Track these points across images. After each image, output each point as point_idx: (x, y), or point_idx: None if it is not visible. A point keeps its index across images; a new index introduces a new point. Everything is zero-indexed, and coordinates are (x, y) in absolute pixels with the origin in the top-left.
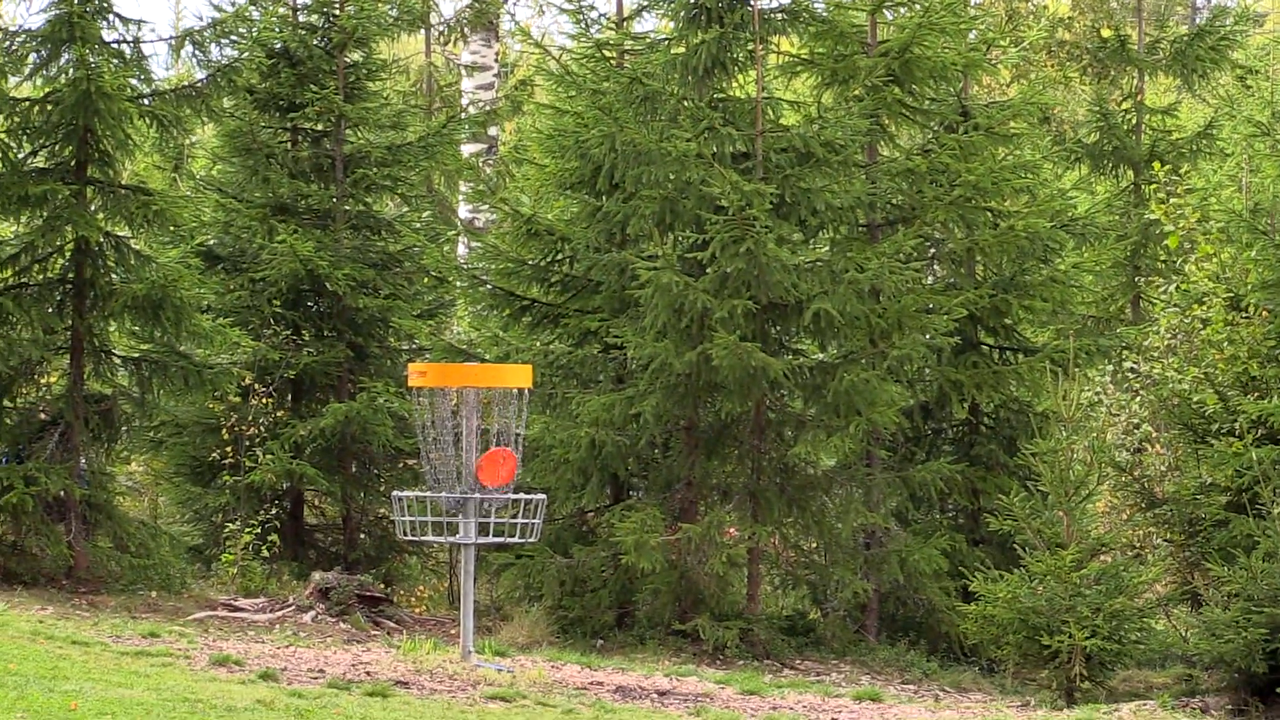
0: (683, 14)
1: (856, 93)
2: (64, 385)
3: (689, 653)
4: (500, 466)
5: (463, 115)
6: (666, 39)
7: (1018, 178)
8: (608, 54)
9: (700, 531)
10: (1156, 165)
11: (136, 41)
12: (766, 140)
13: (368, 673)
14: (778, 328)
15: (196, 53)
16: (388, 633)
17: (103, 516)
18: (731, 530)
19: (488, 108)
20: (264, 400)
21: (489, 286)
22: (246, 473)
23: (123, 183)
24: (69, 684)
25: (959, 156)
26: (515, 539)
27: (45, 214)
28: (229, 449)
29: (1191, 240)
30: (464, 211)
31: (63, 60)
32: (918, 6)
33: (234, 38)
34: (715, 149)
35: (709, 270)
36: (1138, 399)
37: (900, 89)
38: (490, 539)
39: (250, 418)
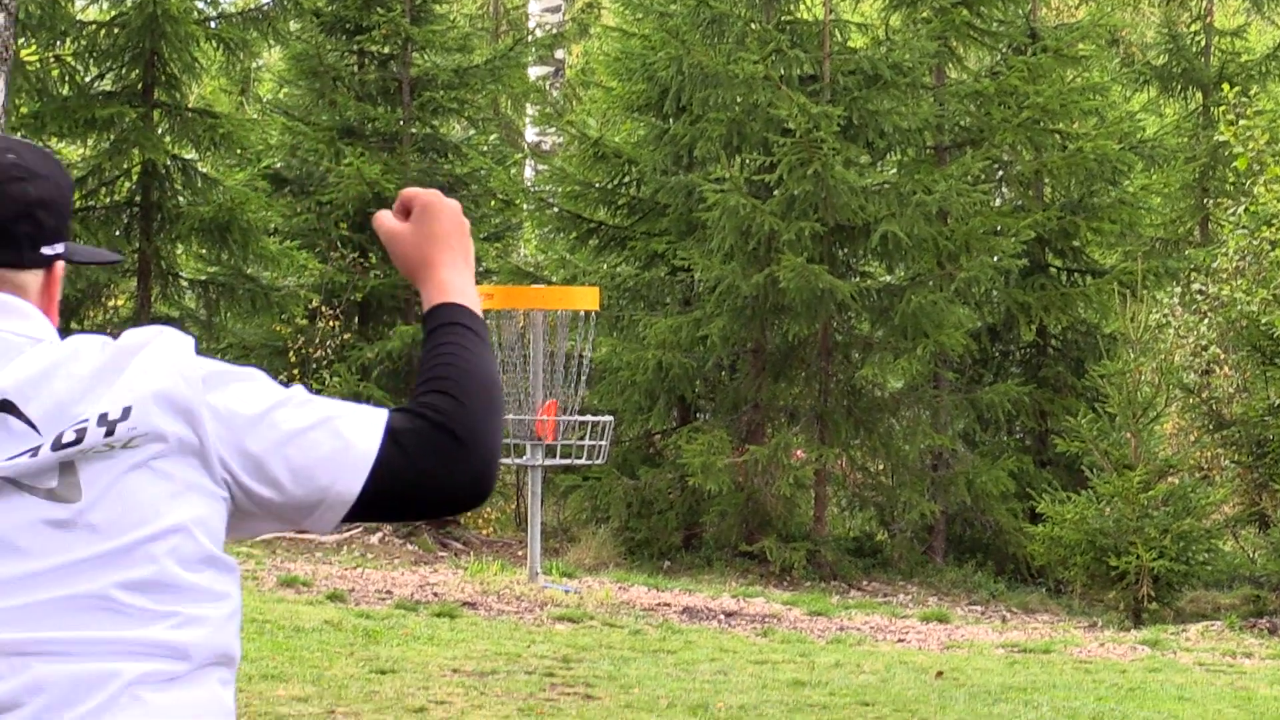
0: None
1: (924, 15)
2: (131, 308)
3: (756, 574)
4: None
5: (529, 38)
6: None
7: (1086, 100)
8: None
9: (767, 453)
10: (1225, 87)
11: None
12: (834, 63)
13: (435, 594)
14: (845, 250)
15: None
16: (455, 554)
17: None
18: (798, 452)
19: (554, 31)
20: (331, 323)
21: (556, 209)
22: None
23: (189, 106)
24: None
25: (1027, 79)
26: (582, 461)
27: (112, 137)
28: (296, 371)
29: (1260, 162)
30: (530, 134)
31: None
32: None
33: None
34: (783, 71)
35: (776, 193)
36: (1205, 321)
37: (968, 11)
38: (557, 461)
39: (317, 340)
